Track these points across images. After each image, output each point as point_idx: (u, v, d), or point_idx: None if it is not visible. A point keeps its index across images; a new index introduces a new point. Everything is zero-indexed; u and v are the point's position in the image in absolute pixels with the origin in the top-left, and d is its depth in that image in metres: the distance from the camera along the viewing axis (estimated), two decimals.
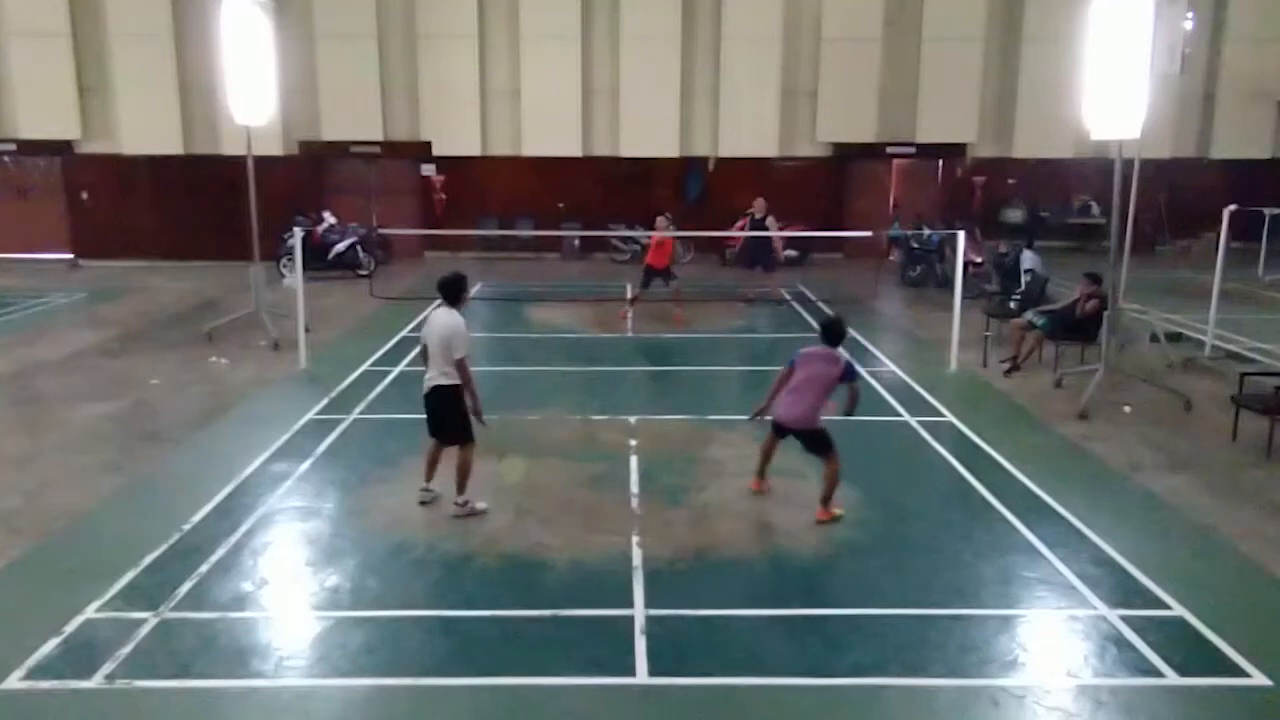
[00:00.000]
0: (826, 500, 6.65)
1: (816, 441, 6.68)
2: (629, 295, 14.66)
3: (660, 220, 14.44)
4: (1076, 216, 22.02)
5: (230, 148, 18.68)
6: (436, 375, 6.67)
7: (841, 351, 6.84)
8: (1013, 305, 12.69)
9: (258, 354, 11.77)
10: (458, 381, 6.62)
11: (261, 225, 12.89)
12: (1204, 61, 20.74)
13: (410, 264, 20.61)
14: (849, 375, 6.71)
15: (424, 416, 6.89)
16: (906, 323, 14.26)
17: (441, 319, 6.63)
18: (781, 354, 12.65)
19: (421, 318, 13.88)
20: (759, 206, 15.57)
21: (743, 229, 19.34)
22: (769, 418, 6.90)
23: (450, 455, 6.82)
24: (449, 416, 6.72)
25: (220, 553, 6.06)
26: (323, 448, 8.15)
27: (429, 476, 6.92)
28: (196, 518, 6.61)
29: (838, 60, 20.46)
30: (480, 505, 6.71)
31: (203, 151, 20.22)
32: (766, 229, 15.31)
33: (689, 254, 20.82)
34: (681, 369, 11.80)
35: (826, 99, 20.68)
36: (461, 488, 6.67)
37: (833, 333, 6.82)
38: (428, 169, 21.49)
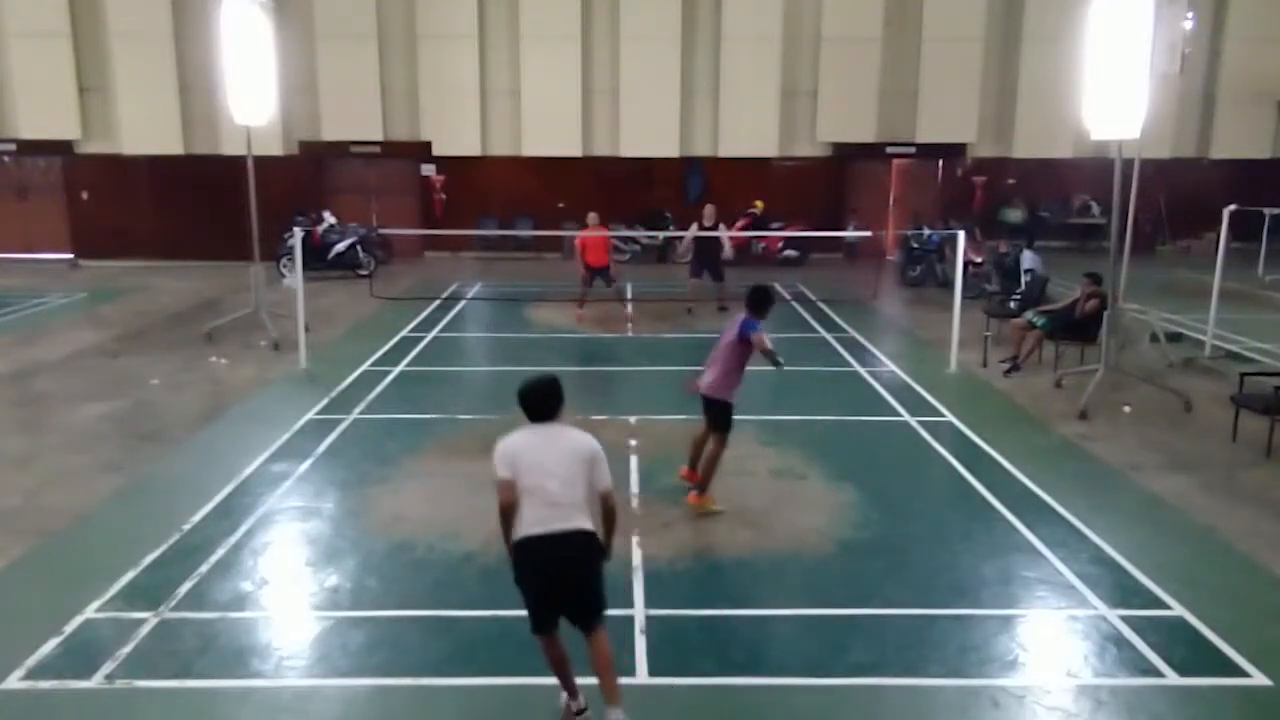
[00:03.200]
0: (704, 487, 6.68)
1: (717, 414, 6.67)
2: (581, 300, 14.19)
3: (591, 216, 14.36)
4: (1076, 216, 22.01)
5: (230, 148, 18.68)
6: (568, 516, 4.16)
7: (745, 316, 6.66)
8: (1013, 305, 12.68)
9: (258, 354, 11.77)
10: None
11: (261, 225, 12.89)
12: (1204, 61, 20.76)
13: (410, 264, 20.62)
14: (743, 332, 6.57)
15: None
16: (906, 323, 14.26)
17: (569, 436, 4.33)
18: (783, 353, 12.67)
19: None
20: (708, 214, 14.91)
21: (744, 229, 19.42)
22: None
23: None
24: (590, 579, 4.30)
25: (220, 553, 6.06)
26: (323, 448, 8.15)
27: (573, 688, 4.34)
28: (196, 518, 6.61)
29: (838, 60, 20.47)
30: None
31: (203, 151, 20.24)
32: (717, 236, 14.66)
33: (688, 254, 20.80)
34: (682, 369, 11.77)
35: (826, 99, 20.70)
36: (616, 694, 4.24)
37: (754, 301, 6.69)
38: (428, 169, 21.49)
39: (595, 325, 13.78)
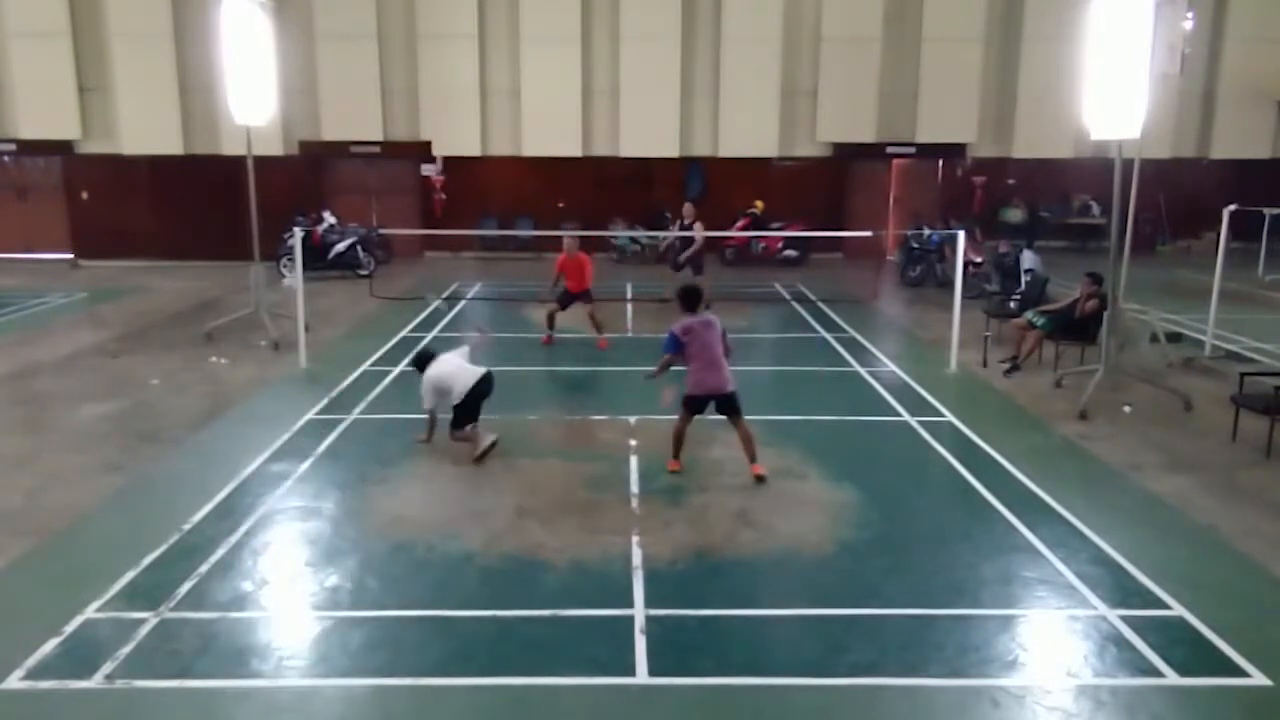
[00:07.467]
0: (755, 457, 7.32)
1: (736, 401, 7.37)
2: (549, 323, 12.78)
3: (569, 243, 12.56)
4: (1076, 216, 22.03)
5: (230, 148, 18.70)
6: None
7: (712, 315, 7.62)
8: (1013, 305, 12.69)
9: (258, 354, 11.76)
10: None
11: (261, 225, 12.89)
12: (1204, 61, 20.76)
13: (410, 264, 20.61)
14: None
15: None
16: (906, 323, 14.25)
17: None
18: (783, 353, 12.75)
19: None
20: (688, 212, 14.80)
21: (744, 228, 19.45)
22: (692, 392, 7.48)
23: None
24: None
25: (220, 553, 6.06)
26: (323, 448, 8.14)
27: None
28: (196, 518, 6.60)
29: (838, 60, 20.47)
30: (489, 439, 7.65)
31: (203, 151, 20.23)
32: (690, 233, 14.48)
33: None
34: (682, 369, 11.75)
35: (826, 99, 20.69)
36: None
37: (694, 298, 7.56)
38: (428, 169, 21.49)
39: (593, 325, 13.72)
